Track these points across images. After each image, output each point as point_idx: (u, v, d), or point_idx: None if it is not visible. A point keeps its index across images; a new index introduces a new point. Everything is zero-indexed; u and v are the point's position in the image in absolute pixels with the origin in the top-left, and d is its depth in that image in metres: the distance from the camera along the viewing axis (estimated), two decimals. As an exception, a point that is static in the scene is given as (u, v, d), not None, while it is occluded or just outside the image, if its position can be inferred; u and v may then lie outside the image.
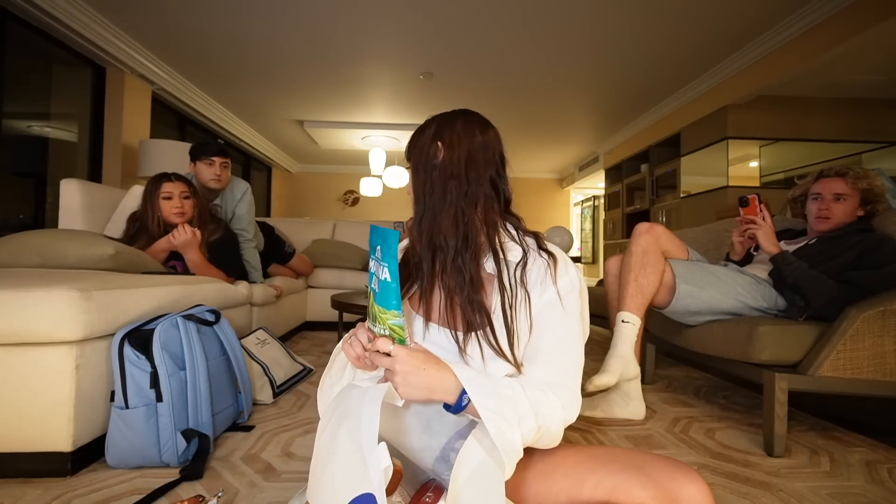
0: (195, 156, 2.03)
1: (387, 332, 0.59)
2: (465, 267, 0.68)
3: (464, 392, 0.58)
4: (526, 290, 0.69)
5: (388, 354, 0.59)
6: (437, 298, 0.72)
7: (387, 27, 3.38)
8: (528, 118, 5.32)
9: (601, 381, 1.43)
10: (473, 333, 0.67)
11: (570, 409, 0.65)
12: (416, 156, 0.75)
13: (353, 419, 0.55)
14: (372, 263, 0.61)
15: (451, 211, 0.70)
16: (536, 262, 0.71)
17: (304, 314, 3.07)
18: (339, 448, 0.54)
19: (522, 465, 0.64)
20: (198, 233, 1.72)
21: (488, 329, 0.67)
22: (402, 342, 0.59)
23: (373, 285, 0.61)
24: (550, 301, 0.68)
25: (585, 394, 1.62)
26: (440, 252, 0.70)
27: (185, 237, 1.67)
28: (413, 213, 0.76)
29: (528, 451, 0.65)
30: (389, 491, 0.55)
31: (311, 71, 4.19)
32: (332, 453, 0.55)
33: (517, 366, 0.67)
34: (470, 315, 0.67)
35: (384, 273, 0.57)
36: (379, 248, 0.58)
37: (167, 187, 1.75)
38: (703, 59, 3.72)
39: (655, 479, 0.54)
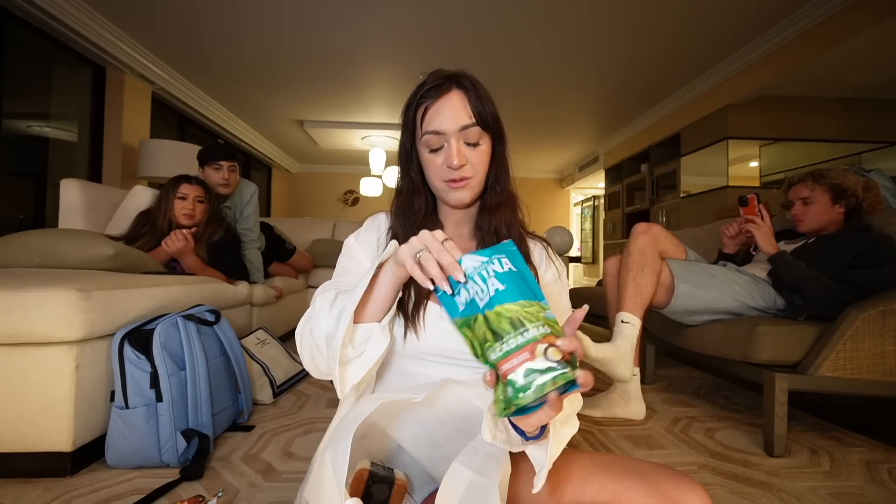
0: (203, 161, 2.04)
1: (541, 332, 0.43)
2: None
3: None
4: (534, 267, 0.72)
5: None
6: None
7: (387, 27, 3.38)
8: (528, 118, 5.31)
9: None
10: None
11: None
12: (494, 115, 0.71)
13: (332, 448, 0.52)
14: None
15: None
16: (534, 244, 0.76)
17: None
18: (325, 475, 0.51)
19: (526, 468, 0.64)
20: (190, 238, 1.72)
21: None
22: (559, 334, 0.45)
23: (476, 295, 0.46)
24: (555, 275, 0.75)
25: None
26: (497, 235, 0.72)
27: (178, 245, 1.68)
28: (478, 187, 0.71)
29: None
30: None
31: (311, 71, 4.18)
32: (321, 477, 0.51)
33: None
34: None
35: (502, 264, 0.46)
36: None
37: (184, 188, 1.78)
38: (703, 59, 3.71)
39: (658, 487, 0.54)
